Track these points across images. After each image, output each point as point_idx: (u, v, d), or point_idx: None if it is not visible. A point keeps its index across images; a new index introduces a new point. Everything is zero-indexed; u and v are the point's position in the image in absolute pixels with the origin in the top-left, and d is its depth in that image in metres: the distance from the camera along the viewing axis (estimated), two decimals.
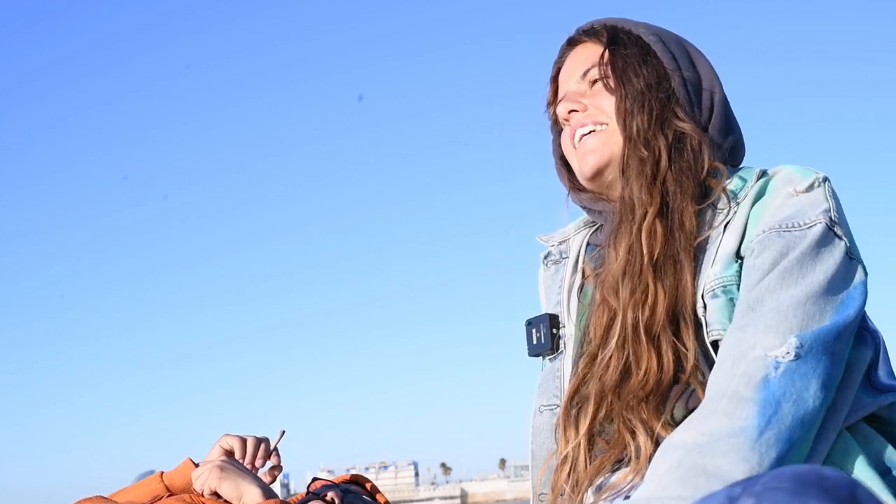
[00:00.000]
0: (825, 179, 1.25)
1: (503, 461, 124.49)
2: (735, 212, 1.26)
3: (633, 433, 1.20)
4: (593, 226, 1.50)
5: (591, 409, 1.25)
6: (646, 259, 1.24)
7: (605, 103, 1.36)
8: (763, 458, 1.06)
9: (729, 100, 1.41)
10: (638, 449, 1.20)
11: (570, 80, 1.41)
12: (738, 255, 1.24)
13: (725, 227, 1.26)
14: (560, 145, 1.45)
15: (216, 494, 1.49)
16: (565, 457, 1.28)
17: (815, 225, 1.20)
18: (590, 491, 1.25)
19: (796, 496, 0.71)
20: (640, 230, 1.26)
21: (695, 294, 1.24)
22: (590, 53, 1.40)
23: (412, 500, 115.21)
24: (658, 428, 1.20)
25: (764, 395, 1.09)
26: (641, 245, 1.25)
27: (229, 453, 1.62)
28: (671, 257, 1.25)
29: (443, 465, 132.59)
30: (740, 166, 1.39)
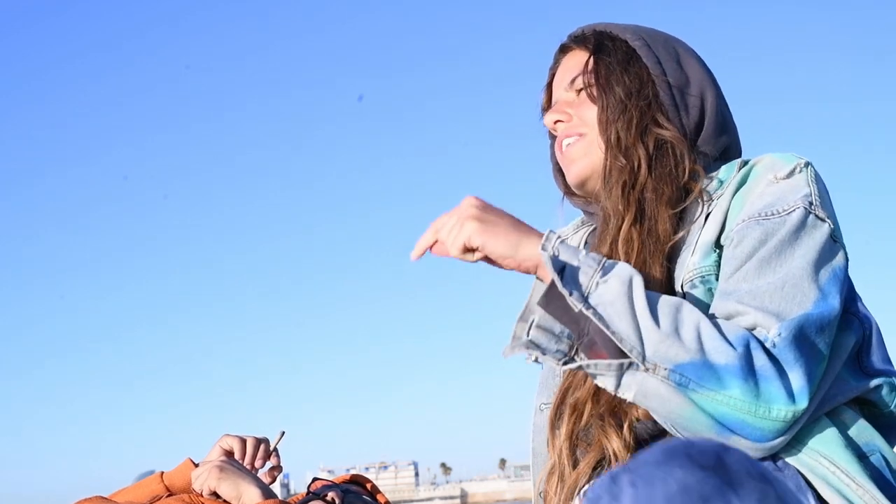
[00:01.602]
0: (807, 164, 1.25)
1: (503, 461, 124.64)
2: (716, 202, 1.27)
3: (606, 438, 1.21)
4: (591, 225, 1.51)
5: (566, 417, 1.27)
6: None
7: (589, 113, 1.37)
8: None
9: (727, 99, 1.40)
10: (615, 452, 1.21)
11: (560, 88, 1.43)
12: (718, 245, 1.24)
13: (706, 218, 1.26)
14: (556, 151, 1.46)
15: (216, 494, 1.50)
16: (553, 466, 1.29)
17: (795, 210, 1.20)
18: (576, 498, 1.25)
19: (662, 465, 0.74)
20: (616, 240, 1.27)
21: (669, 293, 1.24)
22: (578, 61, 1.41)
23: (412, 500, 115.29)
24: (626, 430, 1.21)
25: (743, 352, 1.09)
26: (619, 254, 1.26)
27: (229, 453, 1.62)
28: (644, 263, 1.25)
29: (443, 465, 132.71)
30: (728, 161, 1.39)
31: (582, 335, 1.11)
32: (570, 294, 1.09)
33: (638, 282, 1.10)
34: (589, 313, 1.08)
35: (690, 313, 1.11)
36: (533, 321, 1.12)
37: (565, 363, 1.11)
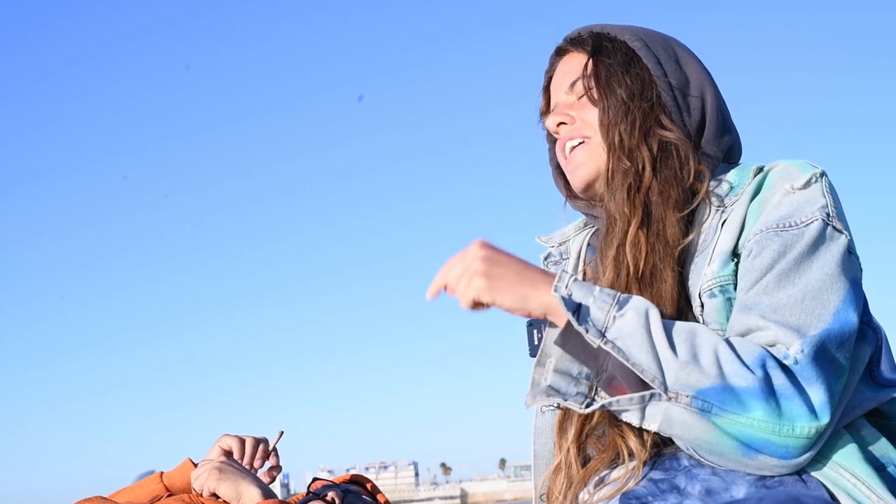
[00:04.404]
0: (822, 174, 1.25)
1: (503, 461, 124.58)
2: (732, 209, 1.26)
3: (622, 437, 1.21)
4: (593, 227, 1.50)
5: (576, 418, 1.27)
6: (631, 272, 1.25)
7: (591, 115, 1.36)
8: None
9: (725, 99, 1.39)
10: (630, 452, 1.21)
11: (559, 91, 1.42)
12: (735, 254, 1.24)
13: (722, 224, 1.26)
14: (556, 154, 1.45)
15: (215, 495, 1.49)
16: (558, 465, 1.29)
17: (813, 222, 1.20)
18: (589, 486, 1.25)
19: None
20: (622, 244, 1.27)
21: (680, 299, 1.24)
22: (576, 64, 1.40)
23: (412, 500, 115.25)
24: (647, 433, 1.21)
25: (762, 374, 1.09)
26: (626, 258, 1.26)
27: (228, 453, 1.62)
28: (654, 267, 1.25)
29: (443, 465, 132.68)
30: (737, 163, 1.39)
31: (601, 371, 1.13)
32: (587, 332, 1.11)
33: (654, 313, 1.12)
34: (608, 347, 1.10)
35: (707, 338, 1.12)
36: (550, 366, 1.16)
37: (587, 405, 1.14)
